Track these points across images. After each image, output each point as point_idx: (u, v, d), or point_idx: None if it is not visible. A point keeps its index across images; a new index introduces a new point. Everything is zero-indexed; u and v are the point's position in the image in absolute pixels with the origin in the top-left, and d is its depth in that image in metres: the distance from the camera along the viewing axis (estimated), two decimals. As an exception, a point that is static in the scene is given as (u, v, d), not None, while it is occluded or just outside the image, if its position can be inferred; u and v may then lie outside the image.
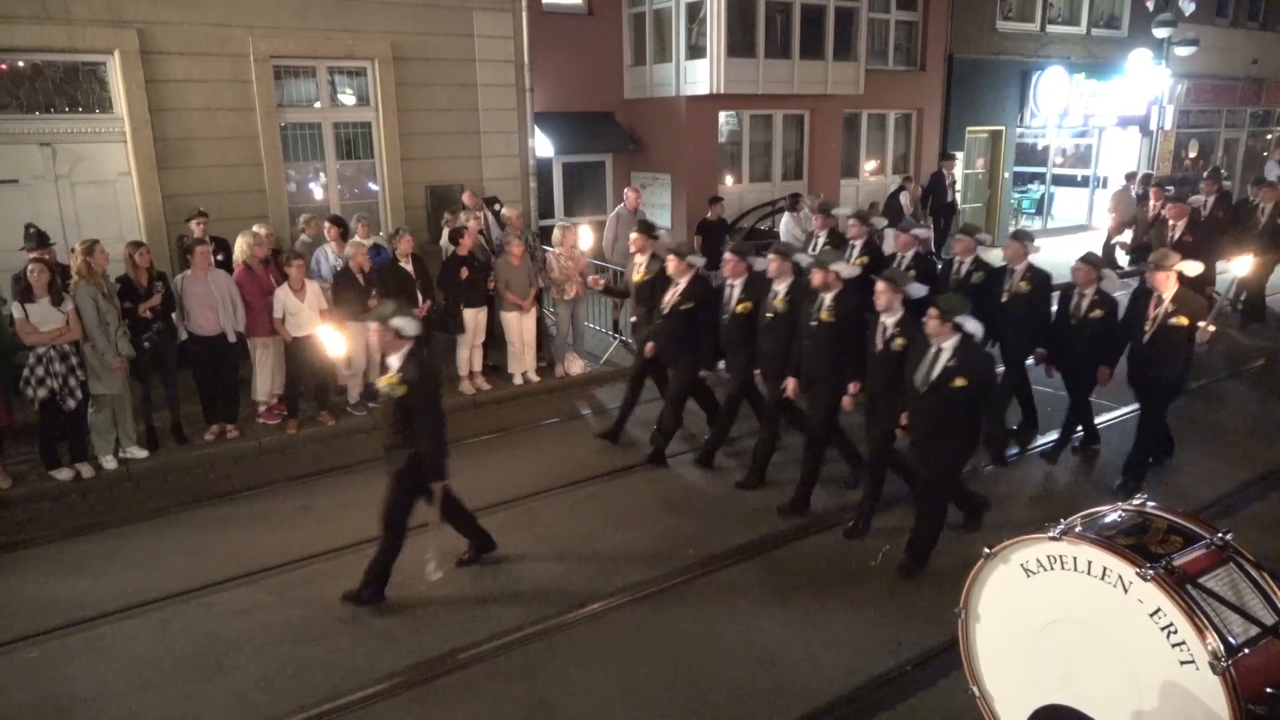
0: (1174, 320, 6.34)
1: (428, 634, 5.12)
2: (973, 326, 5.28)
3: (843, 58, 14.01)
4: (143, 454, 7.42)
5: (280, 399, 8.16)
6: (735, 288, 6.88)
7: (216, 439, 7.79)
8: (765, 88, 13.38)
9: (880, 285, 5.82)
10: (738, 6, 12.77)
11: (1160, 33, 17.26)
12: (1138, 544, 3.36)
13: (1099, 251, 14.77)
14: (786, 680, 4.71)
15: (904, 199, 13.99)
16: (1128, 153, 19.66)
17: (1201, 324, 6.33)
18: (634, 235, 8.12)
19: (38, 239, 7.04)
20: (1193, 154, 21.30)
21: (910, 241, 8.10)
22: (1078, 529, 3.50)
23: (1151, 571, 3.16)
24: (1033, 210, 19.77)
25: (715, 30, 12.62)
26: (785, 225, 12.37)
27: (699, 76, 12.99)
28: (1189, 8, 17.53)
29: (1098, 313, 6.82)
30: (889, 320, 5.84)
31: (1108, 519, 3.62)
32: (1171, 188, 12.76)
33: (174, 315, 7.59)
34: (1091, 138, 19.68)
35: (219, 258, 8.00)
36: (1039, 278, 7.26)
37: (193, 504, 6.89)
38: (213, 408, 7.81)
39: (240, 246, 7.91)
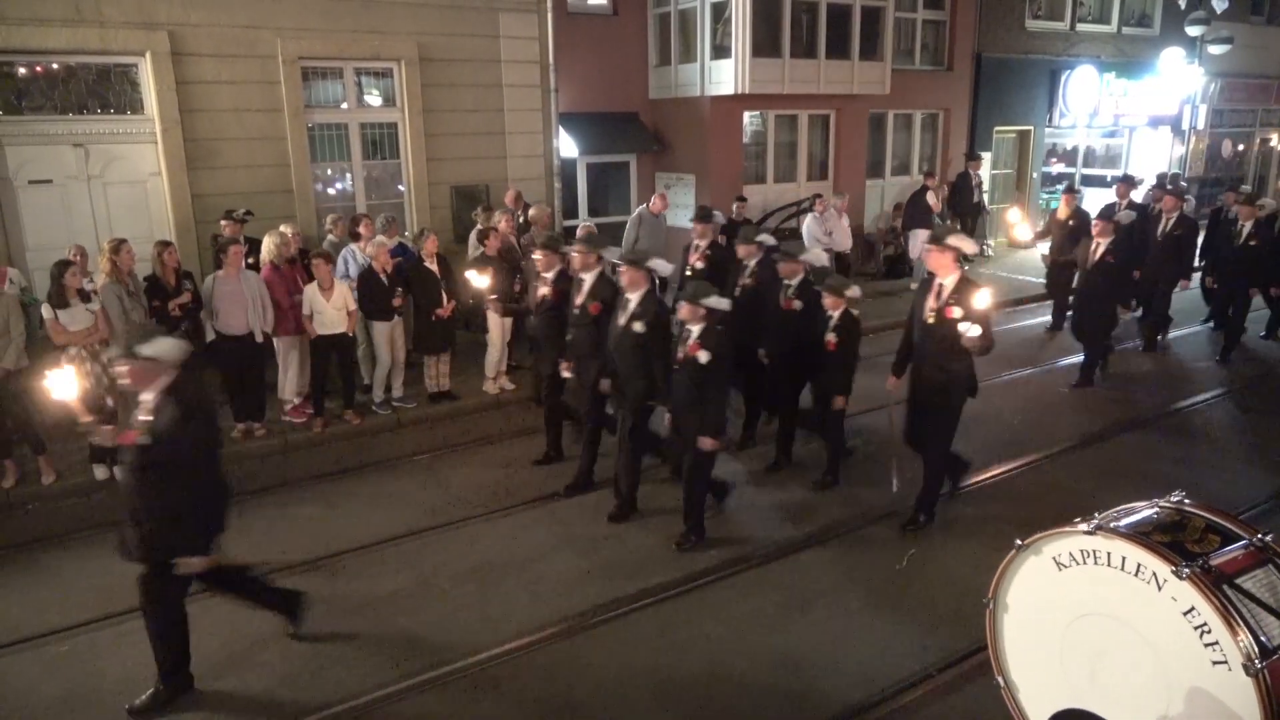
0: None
1: (452, 632, 5.12)
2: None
3: (869, 57, 13.87)
4: (171, 451, 7.49)
5: (306, 398, 8.22)
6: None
7: (244, 437, 7.85)
8: (790, 88, 13.29)
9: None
10: (763, 6, 12.70)
11: (1193, 31, 16.95)
12: (1174, 541, 3.29)
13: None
14: (811, 683, 4.66)
15: (930, 199, 13.80)
16: (1159, 153, 19.35)
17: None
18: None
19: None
20: (1226, 153, 20.91)
21: (753, 250, 7.45)
22: (1112, 524, 3.44)
23: (1187, 570, 3.10)
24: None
25: (740, 30, 12.57)
26: (808, 226, 12.32)
27: (724, 77, 12.94)
28: (1222, 5, 17.17)
29: None
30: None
31: (1143, 515, 3.55)
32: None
33: (200, 315, 7.67)
34: (1122, 138, 19.39)
35: (249, 260, 8.07)
36: None
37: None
38: (240, 406, 7.88)
39: (267, 246, 7.99)
